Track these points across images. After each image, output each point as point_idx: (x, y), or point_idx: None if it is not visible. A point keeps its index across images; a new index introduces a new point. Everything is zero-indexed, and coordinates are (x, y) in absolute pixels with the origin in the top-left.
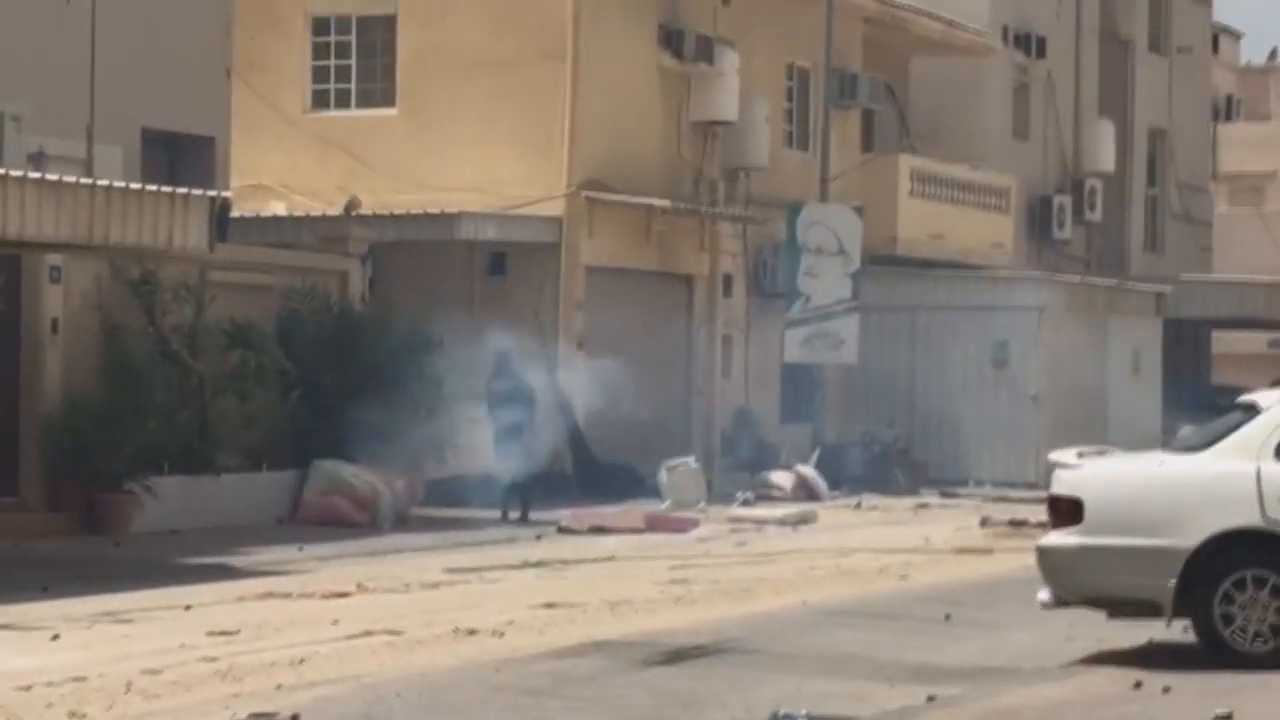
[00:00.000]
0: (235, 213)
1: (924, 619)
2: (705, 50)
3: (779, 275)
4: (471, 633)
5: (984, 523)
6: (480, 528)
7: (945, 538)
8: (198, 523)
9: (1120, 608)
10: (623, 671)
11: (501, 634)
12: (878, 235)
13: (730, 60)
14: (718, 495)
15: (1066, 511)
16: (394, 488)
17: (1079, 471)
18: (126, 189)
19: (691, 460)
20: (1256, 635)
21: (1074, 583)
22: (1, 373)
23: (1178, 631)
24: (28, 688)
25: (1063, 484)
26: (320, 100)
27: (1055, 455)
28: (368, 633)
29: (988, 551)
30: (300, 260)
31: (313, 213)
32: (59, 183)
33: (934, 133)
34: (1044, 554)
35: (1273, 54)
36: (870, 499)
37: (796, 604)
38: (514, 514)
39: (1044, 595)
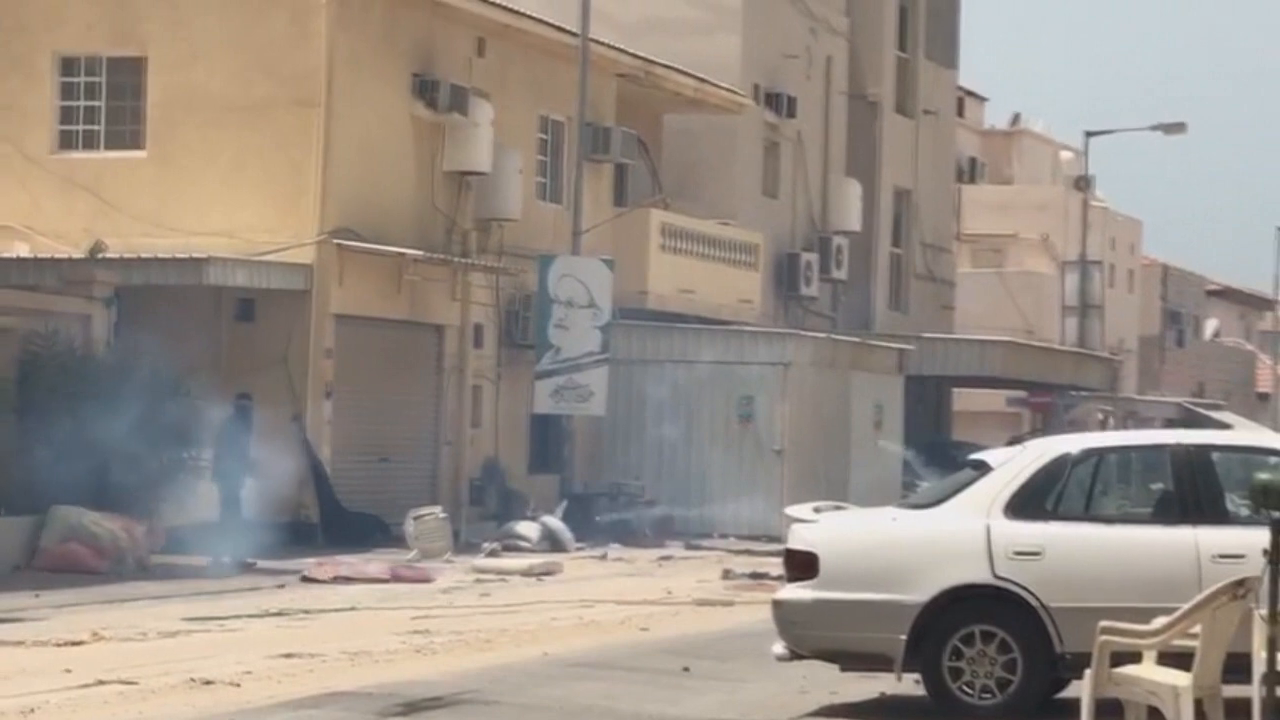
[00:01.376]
0: None
1: (663, 671)
2: (459, 101)
3: (530, 326)
4: (208, 683)
5: (726, 575)
6: (222, 576)
7: (688, 590)
8: None
9: (853, 661)
10: None
11: (238, 684)
12: (629, 288)
13: (484, 111)
14: (465, 545)
15: (802, 565)
16: (134, 534)
17: (815, 526)
18: None
19: (439, 510)
20: (984, 690)
21: (808, 636)
22: None
23: (909, 685)
24: None
25: (798, 538)
26: (67, 141)
27: (792, 510)
28: (100, 682)
29: (729, 604)
30: (43, 303)
31: (57, 255)
32: None
33: (686, 188)
34: (779, 607)
35: (1015, 119)
36: (616, 550)
37: (537, 655)
38: (225, 558)
39: (779, 648)
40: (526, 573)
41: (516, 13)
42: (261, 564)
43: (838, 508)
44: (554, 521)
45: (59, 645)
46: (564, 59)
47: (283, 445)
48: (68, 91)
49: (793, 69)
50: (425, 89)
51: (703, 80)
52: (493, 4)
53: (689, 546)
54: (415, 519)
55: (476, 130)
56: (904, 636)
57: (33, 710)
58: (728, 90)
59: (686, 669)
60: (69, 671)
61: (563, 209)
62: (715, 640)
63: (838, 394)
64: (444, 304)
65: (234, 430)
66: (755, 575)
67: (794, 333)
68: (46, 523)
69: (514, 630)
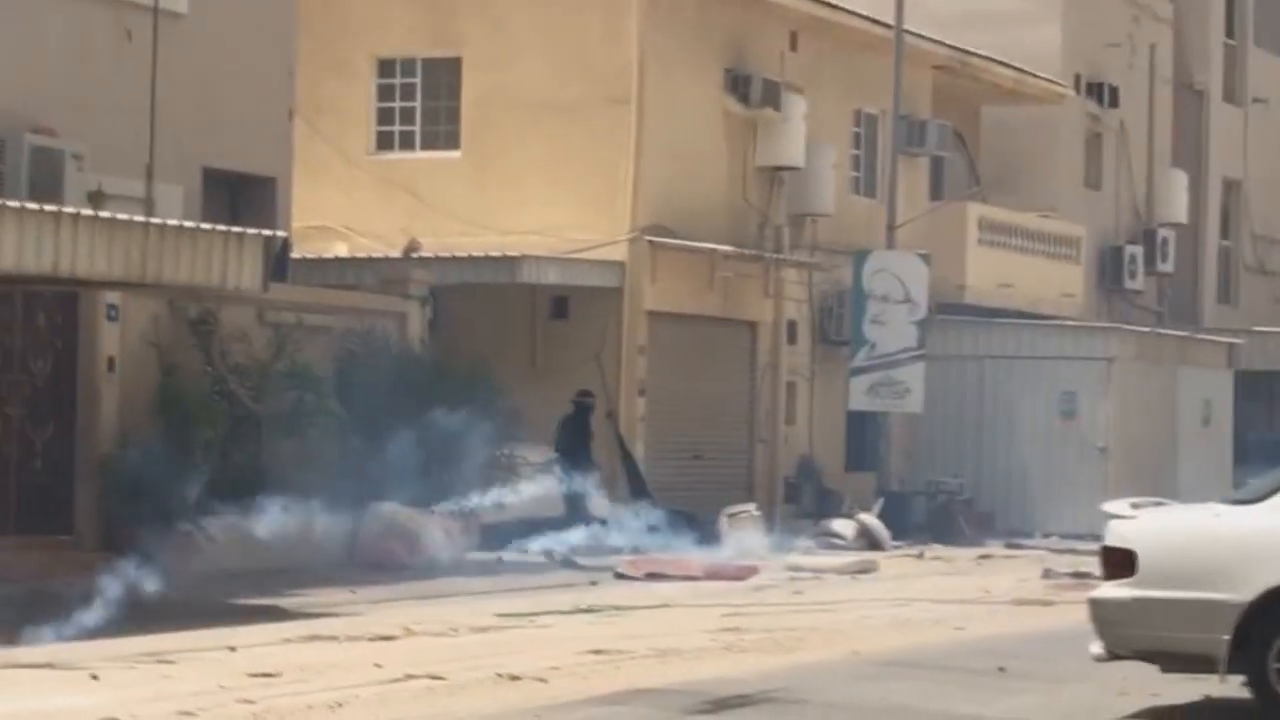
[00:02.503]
0: (297, 253)
1: (977, 671)
2: (772, 95)
3: (844, 323)
4: (515, 678)
5: (1046, 575)
6: (537, 572)
7: (1005, 589)
8: (252, 564)
9: (1174, 662)
10: None
11: (545, 680)
12: (945, 283)
13: (797, 106)
14: (778, 543)
15: (1119, 563)
16: (450, 531)
17: (1133, 523)
18: (180, 227)
19: (753, 508)
20: None
21: (1126, 635)
22: (58, 411)
23: (1235, 687)
24: None
25: (1116, 535)
26: (384, 142)
27: (1109, 506)
28: (409, 676)
29: (1047, 604)
30: (360, 302)
31: (374, 254)
32: (113, 220)
33: (1004, 181)
34: (1096, 606)
35: None
36: (934, 549)
37: (848, 654)
38: (559, 553)
39: (1096, 648)
40: (841, 571)
41: (830, 5)
42: (580, 560)
43: (1157, 504)
44: (870, 519)
45: (371, 640)
46: (878, 51)
47: (598, 442)
48: (385, 93)
49: (1115, 58)
50: (737, 84)
51: (1022, 71)
52: None
53: (1009, 545)
54: (729, 516)
55: (789, 125)
56: (1227, 637)
57: (340, 704)
58: (1047, 81)
59: (1002, 669)
60: (379, 666)
61: (877, 203)
62: (1032, 640)
63: (1163, 390)
64: (757, 300)
65: (575, 426)
66: (1077, 575)
67: (1117, 327)
68: (365, 519)
69: (826, 628)
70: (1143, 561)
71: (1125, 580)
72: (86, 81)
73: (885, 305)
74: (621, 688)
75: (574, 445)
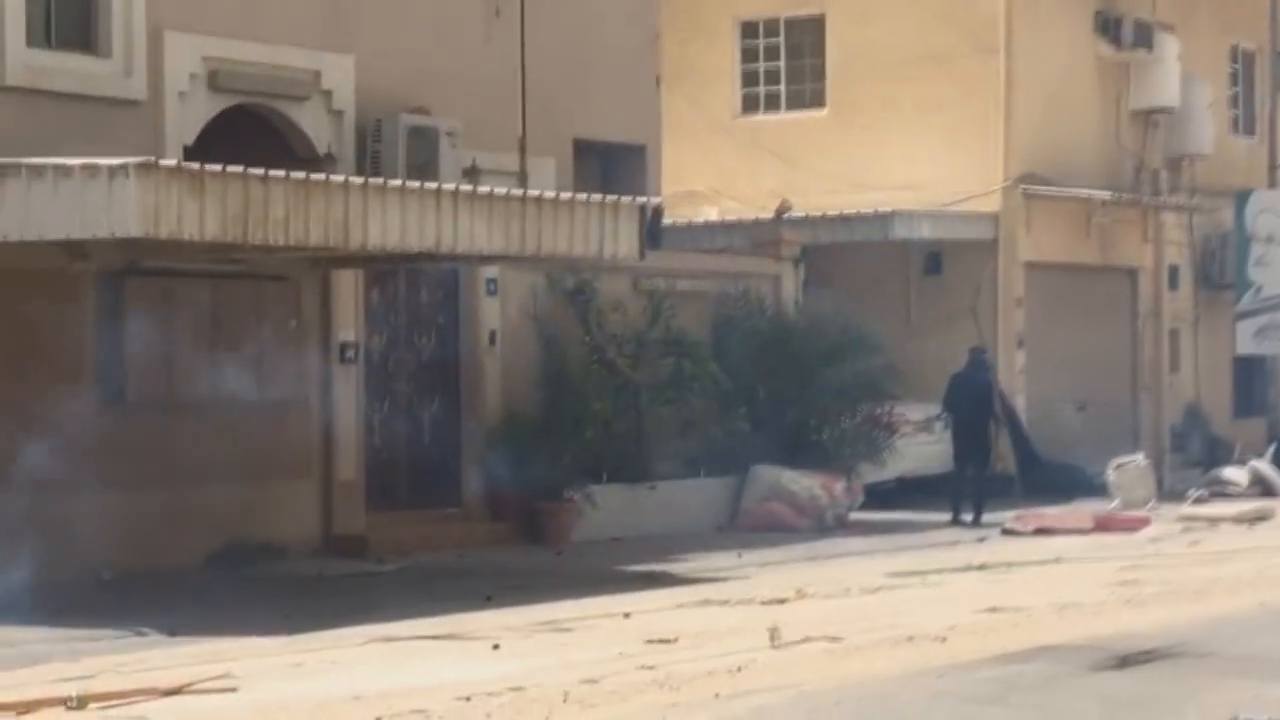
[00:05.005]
0: (667, 219)
1: None
2: (1144, 36)
3: (1227, 265)
4: (911, 639)
5: None
6: (922, 531)
7: None
8: (637, 530)
9: None
10: (1071, 677)
11: (943, 639)
12: None
13: (1170, 46)
14: (1168, 493)
15: None
16: (833, 492)
17: None
18: (557, 199)
19: (1140, 458)
20: None
21: None
22: (442, 385)
23: None
24: (467, 698)
25: None
26: (750, 104)
27: None
28: (807, 639)
29: None
30: (733, 265)
31: (744, 217)
32: (491, 195)
33: None
34: None
35: None
36: None
37: (1254, 605)
38: (966, 516)
39: None
40: (1237, 519)
41: None
42: (964, 518)
43: None
44: (1264, 466)
45: (764, 604)
46: None
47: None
48: (749, 55)
49: None
50: (1108, 26)
51: None
52: None
53: None
54: (1117, 468)
55: (1163, 65)
56: None
57: (740, 669)
58: None
59: None
60: (774, 630)
61: (1256, 142)
62: None
63: None
64: (1135, 246)
65: (976, 383)
66: None
67: None
68: (747, 482)
69: (1227, 579)
70: None
71: None
72: (457, 59)
73: (1270, 246)
74: (1023, 645)
75: (970, 402)
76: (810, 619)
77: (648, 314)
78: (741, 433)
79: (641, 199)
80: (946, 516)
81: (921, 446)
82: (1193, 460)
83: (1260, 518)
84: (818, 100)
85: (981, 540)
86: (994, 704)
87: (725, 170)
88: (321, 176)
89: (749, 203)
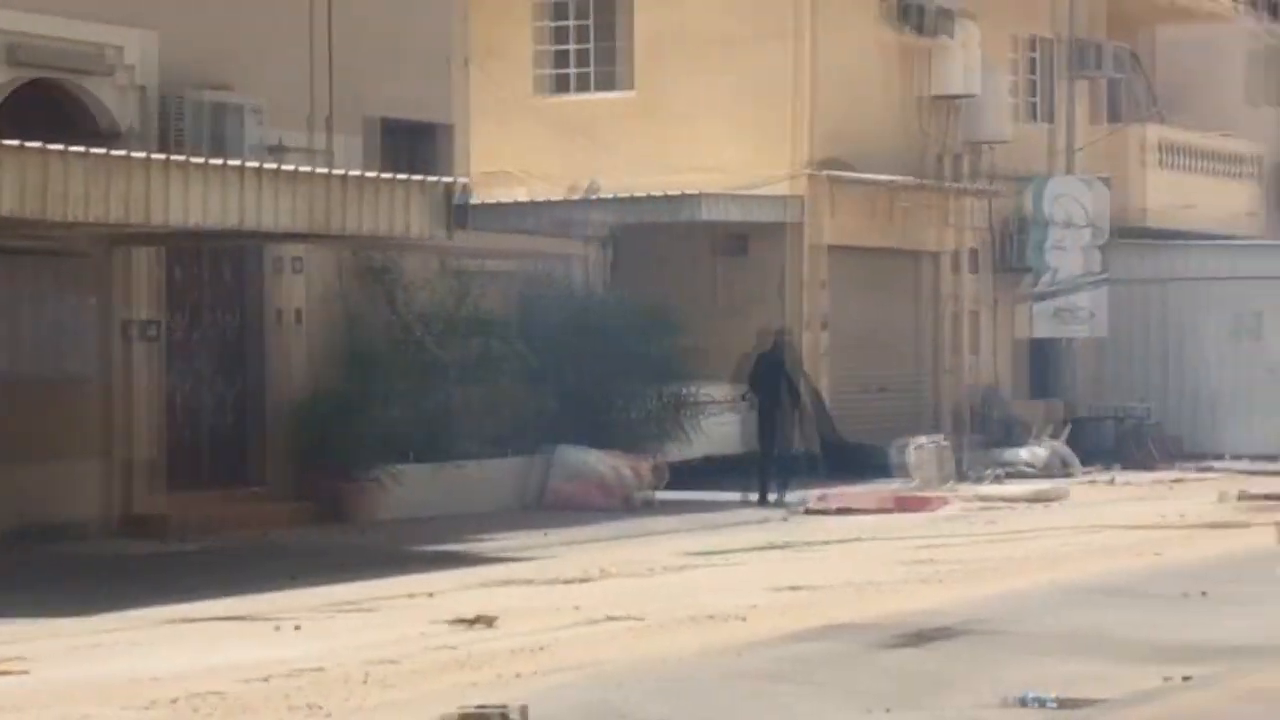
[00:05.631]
0: (476, 199)
1: (1178, 596)
2: (944, 23)
3: (1024, 249)
4: (712, 617)
5: (1241, 497)
6: (727, 510)
7: (1200, 513)
8: (442, 510)
9: None
10: (868, 653)
11: (744, 618)
12: (1125, 207)
13: (970, 33)
14: (966, 474)
15: None
16: (639, 471)
17: None
18: (360, 177)
19: (939, 438)
20: None
21: None
22: (247, 364)
23: None
24: (266, 679)
25: None
26: (560, 85)
27: None
28: (609, 618)
29: (1245, 526)
30: (540, 245)
31: (553, 198)
32: (294, 173)
33: (1179, 102)
34: None
35: None
36: (1123, 475)
37: (1045, 583)
38: (772, 495)
39: None
40: (1032, 499)
41: None
42: (770, 497)
43: None
44: (1058, 446)
45: (568, 582)
46: None
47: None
48: (559, 36)
49: None
50: (909, 13)
51: None
52: None
53: (1200, 469)
54: (916, 448)
55: (962, 52)
56: None
57: (543, 648)
58: None
59: (1204, 593)
60: (578, 608)
61: (1053, 128)
62: (1232, 563)
63: None
64: (936, 230)
65: (781, 364)
66: (1271, 496)
67: None
68: (553, 462)
69: (1021, 557)
70: None
71: None
72: (263, 36)
73: (1067, 231)
74: (821, 623)
75: (776, 383)
76: (614, 598)
77: (456, 294)
78: (549, 412)
79: (447, 178)
80: (752, 496)
81: (727, 426)
82: (990, 441)
83: (1054, 497)
84: (626, 82)
85: (785, 520)
86: (791, 681)
87: (535, 151)
88: (122, 153)
89: (558, 183)
